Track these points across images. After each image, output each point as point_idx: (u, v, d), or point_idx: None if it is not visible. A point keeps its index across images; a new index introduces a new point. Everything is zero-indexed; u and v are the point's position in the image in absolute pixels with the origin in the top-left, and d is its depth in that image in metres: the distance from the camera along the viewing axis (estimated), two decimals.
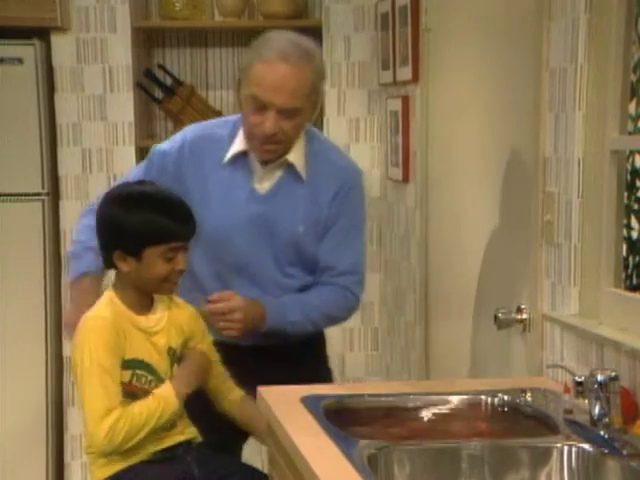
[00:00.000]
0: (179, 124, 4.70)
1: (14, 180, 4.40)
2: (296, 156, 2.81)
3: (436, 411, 2.52)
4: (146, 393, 2.59)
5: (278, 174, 2.82)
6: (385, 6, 4.18)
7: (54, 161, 4.49)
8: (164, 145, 2.94)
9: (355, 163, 2.97)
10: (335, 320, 2.99)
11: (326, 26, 4.46)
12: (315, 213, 2.82)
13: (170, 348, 2.66)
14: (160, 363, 2.63)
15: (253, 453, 4.37)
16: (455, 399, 2.54)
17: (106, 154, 4.51)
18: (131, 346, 2.57)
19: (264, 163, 2.81)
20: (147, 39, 4.77)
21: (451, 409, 2.53)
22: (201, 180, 2.82)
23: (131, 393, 2.59)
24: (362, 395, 2.57)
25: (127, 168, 4.47)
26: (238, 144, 2.82)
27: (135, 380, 2.59)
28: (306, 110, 2.73)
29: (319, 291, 2.87)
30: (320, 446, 2.16)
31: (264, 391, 2.61)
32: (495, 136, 3.15)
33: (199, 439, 2.72)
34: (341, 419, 2.36)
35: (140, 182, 2.72)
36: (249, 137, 2.77)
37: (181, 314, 2.72)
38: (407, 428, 2.43)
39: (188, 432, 2.71)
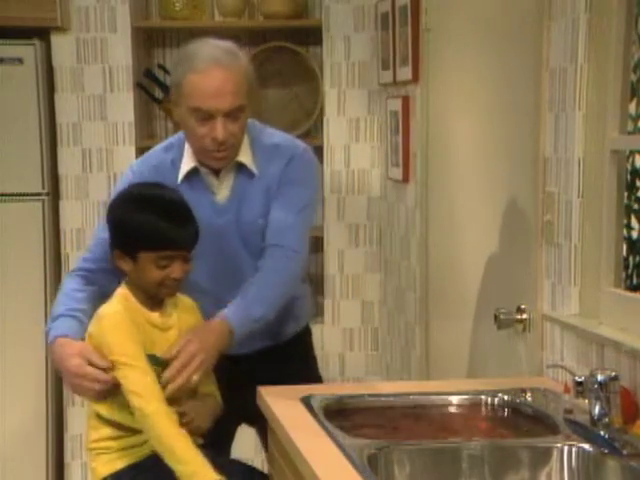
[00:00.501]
0: (179, 124, 4.70)
1: (14, 180, 4.40)
2: (244, 154, 2.82)
3: (436, 411, 2.52)
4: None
5: (232, 178, 2.83)
6: (385, 6, 4.18)
7: (54, 161, 4.49)
8: (117, 190, 2.85)
9: (297, 141, 2.94)
10: (287, 287, 2.83)
11: (326, 26, 4.46)
12: (269, 201, 2.83)
13: None
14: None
15: (253, 453, 4.38)
16: (455, 399, 2.54)
17: (106, 154, 4.51)
18: (147, 341, 2.57)
19: (216, 173, 2.82)
20: (147, 39, 4.77)
21: (451, 409, 2.53)
22: None
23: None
24: (362, 395, 2.57)
25: (127, 168, 4.48)
26: (187, 163, 2.82)
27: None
28: (248, 106, 2.75)
29: (266, 274, 2.77)
30: (320, 446, 2.16)
31: (264, 391, 2.61)
32: (495, 136, 3.15)
33: (201, 440, 2.72)
34: (341, 419, 2.36)
35: (153, 185, 2.72)
36: (200, 150, 2.76)
37: (187, 309, 2.72)
38: (407, 428, 2.43)
39: (190, 433, 2.71)
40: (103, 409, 2.61)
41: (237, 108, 2.69)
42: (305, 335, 3.10)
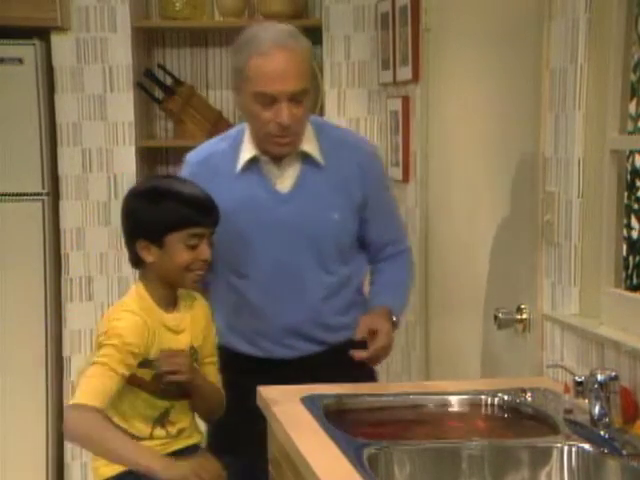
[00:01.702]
0: (179, 124, 4.71)
1: (14, 180, 4.40)
2: (308, 144, 2.75)
3: (436, 411, 2.52)
4: (166, 393, 2.59)
5: (296, 168, 2.76)
6: (385, 6, 4.18)
7: (54, 161, 4.49)
8: None
9: (367, 140, 2.97)
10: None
11: (326, 26, 4.46)
12: (344, 197, 2.77)
13: (192, 347, 2.66)
14: None
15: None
16: (455, 399, 2.54)
17: (106, 154, 4.51)
18: (157, 346, 2.57)
19: (279, 162, 2.75)
20: (147, 39, 4.77)
21: (451, 409, 2.53)
22: (219, 198, 2.69)
23: (152, 391, 2.59)
24: (362, 395, 2.57)
25: (127, 168, 4.49)
26: (246, 151, 2.76)
27: (157, 379, 2.59)
28: (311, 90, 2.70)
29: (400, 265, 2.95)
30: (320, 446, 2.16)
31: (264, 391, 2.61)
32: (495, 136, 3.15)
33: (204, 442, 2.73)
34: (341, 419, 2.36)
35: (165, 176, 2.74)
36: (264, 137, 2.69)
37: (201, 310, 2.73)
38: (407, 428, 2.43)
39: (195, 437, 2.71)
40: (109, 413, 2.59)
41: (301, 91, 2.64)
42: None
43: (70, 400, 2.50)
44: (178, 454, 2.64)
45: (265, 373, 2.77)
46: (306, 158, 2.76)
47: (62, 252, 4.52)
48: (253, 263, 2.77)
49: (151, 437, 2.62)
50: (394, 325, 2.81)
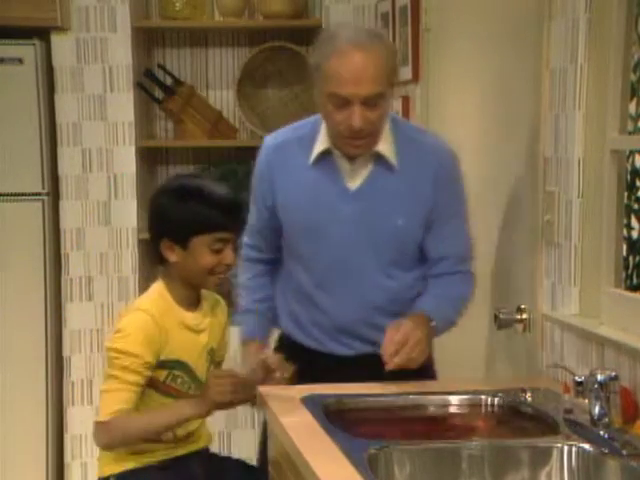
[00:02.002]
0: (179, 124, 4.71)
1: (14, 180, 4.40)
2: (384, 145, 2.67)
3: (436, 411, 2.52)
4: (180, 394, 2.59)
5: (368, 168, 2.69)
6: (385, 6, 4.18)
7: (54, 161, 4.49)
8: (255, 171, 2.85)
9: (446, 144, 2.80)
10: (468, 302, 2.88)
11: (326, 26, 4.46)
12: (414, 203, 2.69)
13: (211, 349, 2.67)
14: (198, 363, 2.63)
15: (253, 453, 4.37)
16: (455, 399, 2.54)
17: (106, 154, 4.51)
18: (172, 345, 2.57)
19: (351, 159, 2.68)
20: (147, 39, 4.77)
21: (451, 409, 2.53)
22: (289, 185, 2.72)
23: (165, 392, 2.59)
24: (362, 395, 2.56)
25: (127, 168, 4.50)
26: (321, 143, 2.69)
27: (170, 380, 2.60)
28: (389, 93, 2.61)
29: (453, 282, 2.77)
30: (320, 446, 2.16)
31: (264, 391, 2.61)
32: (495, 136, 3.15)
33: (211, 443, 2.74)
34: (341, 419, 2.36)
35: (191, 175, 2.74)
36: (336, 136, 2.64)
37: (222, 313, 2.74)
38: (407, 428, 2.42)
39: (202, 441, 2.71)
40: None
41: (376, 95, 2.54)
42: None
43: (96, 416, 2.59)
44: (182, 459, 2.64)
45: (325, 369, 2.70)
46: (379, 158, 2.68)
47: (62, 252, 4.52)
48: (314, 256, 2.73)
49: (159, 440, 2.62)
50: (433, 331, 2.69)
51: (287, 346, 2.81)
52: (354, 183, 2.69)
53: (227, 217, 2.58)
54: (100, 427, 2.55)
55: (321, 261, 2.72)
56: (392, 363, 2.56)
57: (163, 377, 2.58)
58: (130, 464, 2.62)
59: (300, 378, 2.61)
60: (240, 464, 2.84)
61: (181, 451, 2.65)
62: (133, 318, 2.57)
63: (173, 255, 2.58)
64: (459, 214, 2.78)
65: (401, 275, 2.74)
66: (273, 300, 2.86)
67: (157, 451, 2.62)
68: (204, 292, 2.68)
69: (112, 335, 2.57)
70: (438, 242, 2.74)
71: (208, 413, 2.56)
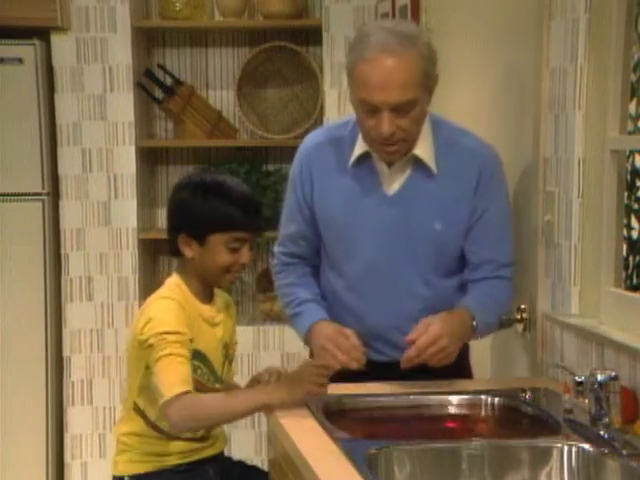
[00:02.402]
0: (179, 124, 4.71)
1: (14, 180, 4.41)
2: (423, 149, 2.61)
3: (436, 411, 2.52)
4: (199, 386, 2.59)
5: (407, 172, 2.64)
6: (385, 6, 4.18)
7: (54, 161, 4.49)
8: (293, 167, 2.80)
9: (489, 146, 2.71)
10: (507, 307, 2.80)
11: (326, 26, 4.46)
12: (454, 208, 2.63)
13: (226, 343, 2.66)
14: (216, 356, 2.62)
15: (253, 453, 4.38)
16: (455, 399, 2.54)
17: (106, 154, 4.51)
18: (194, 334, 2.56)
19: (390, 163, 2.63)
20: (147, 39, 4.77)
21: (451, 409, 2.53)
22: (327, 187, 2.69)
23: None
24: (362, 395, 2.56)
25: (127, 168, 4.50)
26: (360, 146, 2.64)
27: (192, 371, 2.59)
28: (422, 99, 2.53)
29: (493, 286, 2.68)
30: (320, 446, 2.16)
31: None
32: (495, 136, 3.15)
33: (225, 446, 2.73)
34: (341, 419, 2.36)
35: (214, 171, 2.73)
36: (368, 141, 2.59)
37: (232, 310, 2.74)
38: (407, 428, 2.42)
39: (218, 445, 2.71)
40: (141, 401, 2.60)
41: (406, 102, 2.48)
42: (464, 348, 2.79)
43: (160, 399, 2.45)
44: (198, 463, 2.64)
45: (358, 374, 2.63)
46: (418, 162, 2.63)
47: (62, 252, 4.52)
48: (349, 261, 2.69)
49: (178, 437, 2.61)
50: (471, 330, 2.61)
51: None
52: (392, 188, 2.65)
53: (247, 217, 2.57)
54: (168, 406, 2.44)
55: (356, 265, 2.68)
56: (407, 364, 2.53)
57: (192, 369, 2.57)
58: (146, 466, 2.61)
59: (332, 382, 2.55)
60: (243, 466, 2.84)
61: (196, 456, 2.65)
62: (160, 305, 2.54)
63: (190, 251, 2.58)
64: (501, 218, 2.70)
65: (439, 282, 2.68)
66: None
67: (173, 454, 2.61)
68: (216, 290, 2.68)
69: (143, 328, 2.52)
70: (479, 246, 2.67)
71: (294, 401, 2.45)
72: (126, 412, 2.66)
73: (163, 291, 2.60)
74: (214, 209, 2.55)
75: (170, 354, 2.46)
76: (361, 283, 2.69)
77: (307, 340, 2.74)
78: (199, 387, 2.60)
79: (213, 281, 2.62)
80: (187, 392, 2.43)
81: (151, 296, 2.62)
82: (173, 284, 2.61)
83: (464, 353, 2.80)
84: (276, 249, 2.86)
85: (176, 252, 2.61)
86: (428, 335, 2.50)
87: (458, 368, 2.71)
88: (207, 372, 2.60)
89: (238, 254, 2.56)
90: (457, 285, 2.72)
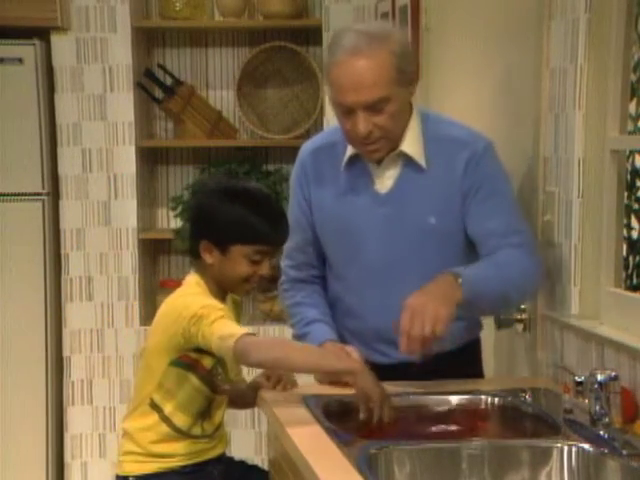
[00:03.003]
0: (179, 124, 4.71)
1: (14, 180, 4.41)
2: (411, 144, 2.61)
3: (436, 411, 2.52)
4: (213, 386, 2.59)
5: (397, 169, 2.64)
6: (385, 6, 4.18)
7: (54, 161, 4.49)
8: (292, 175, 2.82)
9: (479, 134, 2.68)
10: (522, 289, 2.62)
11: (326, 26, 4.46)
12: (446, 200, 2.61)
13: None
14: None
15: (253, 453, 4.38)
16: (455, 399, 2.54)
17: (106, 154, 4.51)
18: None
19: (379, 162, 2.63)
20: (147, 39, 4.77)
21: (451, 409, 2.53)
22: (322, 191, 2.69)
23: (208, 381, 2.60)
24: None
25: (127, 168, 4.50)
26: (351, 148, 2.65)
27: (214, 372, 2.59)
28: (397, 95, 2.52)
29: (500, 254, 2.55)
30: (320, 446, 2.16)
31: (264, 391, 2.61)
32: (495, 136, 3.15)
33: (227, 446, 2.74)
34: (341, 419, 2.36)
35: (241, 178, 2.72)
36: (350, 142, 2.61)
37: (240, 308, 2.74)
38: (407, 428, 2.42)
39: (220, 446, 2.72)
40: (158, 396, 2.59)
41: (378, 100, 2.49)
42: (475, 345, 2.79)
43: (227, 340, 2.40)
44: (202, 465, 2.65)
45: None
46: (408, 159, 2.63)
47: (62, 252, 4.52)
48: (347, 264, 2.70)
49: (188, 434, 2.62)
50: (457, 289, 2.43)
51: None
52: (384, 186, 2.65)
53: (272, 230, 2.56)
54: (250, 342, 2.40)
55: (355, 268, 2.68)
56: (411, 353, 2.41)
57: (211, 365, 2.58)
58: (151, 467, 2.61)
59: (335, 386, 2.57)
60: (244, 466, 2.85)
61: (201, 458, 2.66)
62: (186, 301, 2.53)
63: (210, 257, 2.57)
64: (498, 191, 2.63)
65: None
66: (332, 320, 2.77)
67: (178, 455, 2.61)
68: None
69: (182, 312, 2.49)
70: (479, 221, 2.61)
71: (355, 371, 2.40)
72: (138, 407, 2.63)
73: (187, 289, 2.60)
74: (239, 219, 2.53)
75: (223, 316, 2.46)
76: (361, 285, 2.69)
77: None
78: (213, 388, 2.61)
79: (230, 288, 2.62)
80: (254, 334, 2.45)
81: (173, 295, 2.61)
82: (194, 282, 2.60)
83: (475, 351, 2.79)
84: (283, 264, 2.85)
85: (196, 255, 2.61)
86: (406, 312, 2.40)
87: (469, 367, 2.69)
88: (221, 372, 2.61)
89: (258, 266, 2.56)
90: None
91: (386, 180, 2.65)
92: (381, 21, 2.60)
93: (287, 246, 2.77)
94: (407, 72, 2.55)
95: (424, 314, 2.38)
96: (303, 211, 2.76)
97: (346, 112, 2.53)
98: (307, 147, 2.80)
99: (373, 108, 2.51)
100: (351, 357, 2.55)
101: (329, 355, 2.54)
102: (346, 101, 2.51)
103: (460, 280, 2.45)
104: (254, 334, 2.45)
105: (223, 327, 2.44)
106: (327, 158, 2.71)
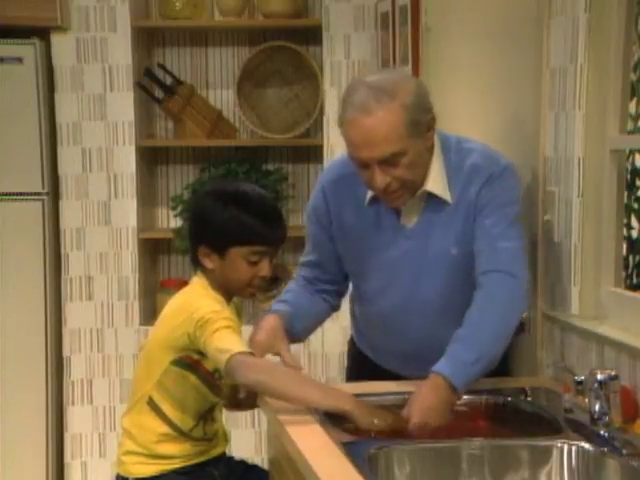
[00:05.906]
0: (179, 123, 4.71)
1: (14, 180, 4.41)
2: (434, 181, 2.58)
3: None
4: (217, 390, 2.60)
5: (422, 205, 2.62)
6: (385, 6, 4.18)
7: (54, 161, 4.49)
8: (310, 201, 2.80)
9: (495, 157, 2.64)
10: (507, 313, 2.52)
11: (326, 25, 4.46)
12: (465, 228, 2.59)
13: None
14: None
15: (253, 453, 4.38)
16: None
17: (106, 154, 4.51)
18: None
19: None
20: (147, 39, 4.77)
21: (451, 409, 2.52)
22: (345, 223, 2.69)
23: (210, 384, 2.61)
24: (362, 395, 2.56)
25: (127, 168, 4.50)
26: None
27: (218, 376, 2.59)
28: (412, 146, 2.48)
29: (480, 299, 2.49)
30: (320, 446, 2.16)
31: None
32: (495, 136, 3.15)
33: (228, 445, 2.74)
34: (341, 419, 2.36)
35: (240, 180, 2.71)
36: (370, 190, 2.60)
37: (241, 310, 2.74)
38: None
39: (221, 446, 2.72)
40: (157, 395, 2.59)
41: (392, 155, 2.46)
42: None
43: (227, 353, 2.40)
44: (202, 465, 2.65)
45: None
46: (431, 195, 2.60)
47: (62, 252, 4.52)
48: (374, 295, 2.70)
49: (189, 435, 2.62)
50: (448, 384, 2.39)
51: (368, 369, 2.81)
52: (409, 220, 2.63)
53: (267, 230, 2.55)
54: (241, 356, 2.39)
55: (381, 302, 2.69)
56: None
57: (213, 367, 2.57)
58: (152, 469, 2.61)
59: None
60: (244, 465, 2.85)
61: (202, 458, 2.66)
62: (199, 304, 2.52)
63: (210, 263, 2.57)
64: (494, 228, 2.55)
65: (461, 297, 2.56)
66: (307, 314, 2.77)
67: (178, 457, 2.62)
68: None
69: (193, 314, 2.49)
70: (474, 242, 2.59)
71: (347, 412, 2.35)
72: (136, 404, 2.64)
73: (199, 289, 2.59)
74: (233, 221, 2.53)
75: (228, 327, 2.46)
76: (391, 316, 2.69)
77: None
78: (217, 391, 2.61)
79: (234, 292, 2.62)
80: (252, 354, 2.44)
81: (183, 293, 2.61)
82: (199, 286, 2.61)
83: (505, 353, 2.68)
84: (300, 271, 2.86)
85: (197, 262, 2.61)
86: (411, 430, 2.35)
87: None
88: (224, 375, 2.60)
89: (257, 267, 2.56)
90: None
91: (411, 213, 2.63)
92: (394, 69, 2.52)
93: (300, 261, 2.82)
94: (422, 122, 2.50)
95: (429, 427, 2.35)
96: (321, 239, 2.77)
97: (362, 166, 2.51)
98: (327, 178, 2.77)
99: (388, 162, 2.47)
100: (341, 392, 2.45)
101: (319, 390, 2.44)
102: (360, 157, 2.50)
103: (452, 381, 2.38)
104: (250, 353, 2.43)
105: (223, 339, 2.43)
106: (350, 189, 2.68)
